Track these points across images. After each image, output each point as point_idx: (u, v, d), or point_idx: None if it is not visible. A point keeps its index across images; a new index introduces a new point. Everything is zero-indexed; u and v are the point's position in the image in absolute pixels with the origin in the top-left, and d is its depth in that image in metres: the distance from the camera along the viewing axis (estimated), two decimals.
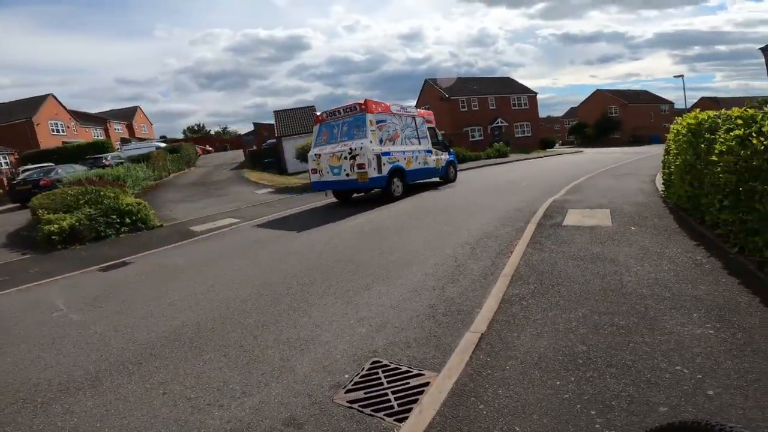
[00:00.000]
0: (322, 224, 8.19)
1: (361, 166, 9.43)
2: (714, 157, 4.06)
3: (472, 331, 2.93)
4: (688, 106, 31.15)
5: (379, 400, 2.32)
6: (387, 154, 9.98)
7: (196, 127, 78.25)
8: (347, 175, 9.73)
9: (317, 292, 4.19)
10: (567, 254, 4.44)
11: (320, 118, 10.93)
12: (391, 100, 10.24)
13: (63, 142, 32.54)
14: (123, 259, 6.95)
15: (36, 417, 2.53)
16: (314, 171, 10.59)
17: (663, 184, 7.70)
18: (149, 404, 2.54)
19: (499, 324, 3.02)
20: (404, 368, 2.60)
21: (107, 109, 57.62)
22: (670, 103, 53.67)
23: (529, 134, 41.62)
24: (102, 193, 10.33)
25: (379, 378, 2.53)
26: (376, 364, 2.69)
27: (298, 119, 28.72)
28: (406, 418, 2.13)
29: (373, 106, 10.08)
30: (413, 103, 41.42)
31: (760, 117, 3.65)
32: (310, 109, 30.39)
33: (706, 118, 4.86)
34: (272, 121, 30.16)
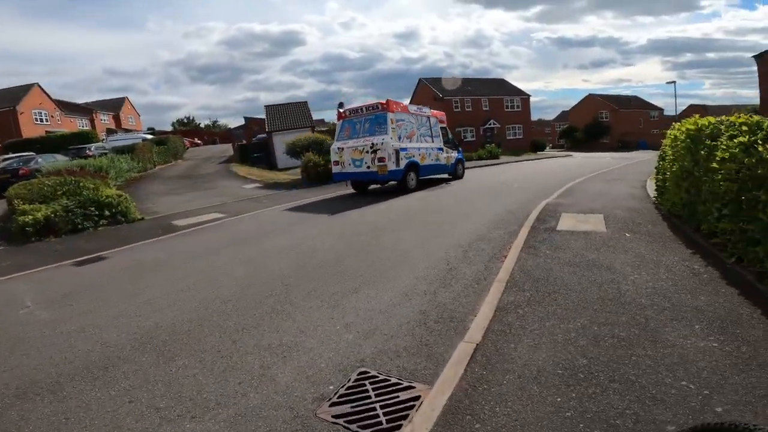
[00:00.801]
0: (312, 220, 8.01)
1: (381, 159, 10.18)
2: (715, 164, 3.96)
3: (467, 341, 2.76)
4: (677, 113, 31.46)
5: (366, 414, 2.14)
6: (404, 149, 10.74)
7: (185, 120, 77.04)
8: (368, 167, 10.46)
9: (302, 294, 3.99)
10: (562, 260, 4.31)
11: (343, 115, 11.56)
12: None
13: (46, 132, 31.86)
14: (99, 254, 6.66)
15: None
16: (336, 163, 11.28)
17: (656, 190, 7.66)
18: (113, 413, 2.32)
19: (495, 334, 2.86)
20: (394, 380, 2.42)
21: (95, 99, 56.18)
22: (660, 110, 54.32)
23: (521, 136, 41.83)
24: (81, 184, 9.95)
25: (367, 390, 2.34)
26: (363, 375, 2.50)
27: (289, 114, 28.37)
28: None
29: (394, 105, 10.88)
30: (407, 102, 41.26)
31: (766, 124, 3.54)
32: (302, 105, 30.06)
33: (706, 124, 4.75)
34: (264, 116, 29.71)
